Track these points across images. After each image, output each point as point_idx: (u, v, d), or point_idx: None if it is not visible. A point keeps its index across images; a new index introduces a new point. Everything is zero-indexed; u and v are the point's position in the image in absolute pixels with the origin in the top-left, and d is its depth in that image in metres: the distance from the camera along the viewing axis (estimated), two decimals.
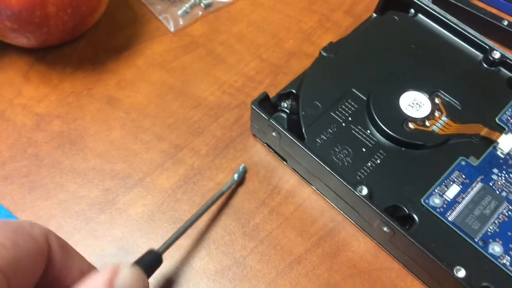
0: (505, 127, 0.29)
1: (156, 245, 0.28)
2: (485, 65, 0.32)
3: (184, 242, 0.28)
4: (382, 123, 0.29)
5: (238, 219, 0.29)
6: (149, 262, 0.24)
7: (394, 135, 0.29)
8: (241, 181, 0.30)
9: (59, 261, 0.21)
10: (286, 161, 0.31)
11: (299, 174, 0.31)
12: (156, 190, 0.30)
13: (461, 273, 0.24)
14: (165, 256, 0.25)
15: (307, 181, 0.31)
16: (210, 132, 0.32)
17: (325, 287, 0.28)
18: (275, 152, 0.31)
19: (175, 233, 0.26)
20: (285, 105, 0.32)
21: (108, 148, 0.31)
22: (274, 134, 0.29)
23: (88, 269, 0.22)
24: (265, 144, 0.32)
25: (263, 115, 0.29)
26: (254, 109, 0.29)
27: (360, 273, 0.28)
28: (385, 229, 0.27)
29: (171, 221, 0.29)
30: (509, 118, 0.30)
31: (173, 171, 0.31)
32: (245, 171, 0.31)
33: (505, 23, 0.35)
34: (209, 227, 0.29)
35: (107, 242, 0.28)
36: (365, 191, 0.27)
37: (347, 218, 0.30)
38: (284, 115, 0.31)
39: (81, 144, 0.31)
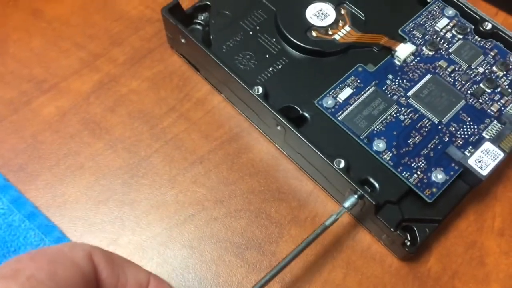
0: (406, 37, 0.30)
1: (64, 142, 0.29)
2: None
3: (92, 141, 0.30)
4: (285, 30, 0.30)
5: (146, 122, 0.31)
6: None
7: (296, 41, 0.30)
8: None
9: (110, 280, 0.18)
10: (199, 71, 0.32)
11: (211, 84, 0.32)
12: (70, 94, 0.31)
13: (341, 164, 0.26)
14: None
15: (217, 90, 0.32)
16: (129, 43, 0.33)
17: (223, 185, 0.29)
18: (189, 62, 0.32)
19: (264, 277, 0.23)
20: (202, 18, 0.32)
21: (28, 55, 0.32)
22: (183, 41, 0.30)
23: (145, 278, 0.19)
24: (180, 56, 0.33)
25: (172, 21, 0.30)
26: (164, 16, 0.30)
27: (258, 172, 0.29)
28: (278, 128, 0.28)
29: (82, 121, 0.30)
30: (412, 30, 0.30)
31: (89, 77, 0.32)
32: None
33: None
34: (118, 129, 0.30)
35: (18, 138, 0.29)
36: (260, 90, 0.28)
37: (252, 124, 0.31)
38: (200, 28, 0.32)
39: (2, 50, 0.32)
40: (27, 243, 0.26)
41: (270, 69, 0.29)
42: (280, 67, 0.30)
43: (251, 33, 0.30)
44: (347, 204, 0.25)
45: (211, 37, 0.30)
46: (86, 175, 0.29)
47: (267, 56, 0.30)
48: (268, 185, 0.29)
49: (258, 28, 0.31)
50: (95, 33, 0.34)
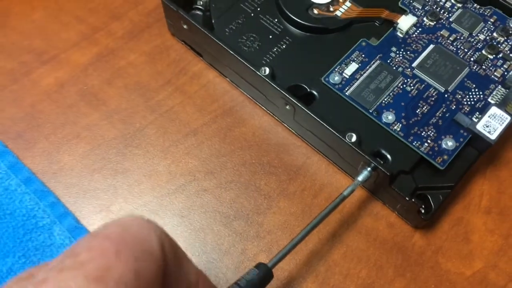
0: (406, 9, 0.30)
1: (61, 112, 0.30)
2: None
3: (89, 112, 0.30)
4: (286, 9, 0.30)
5: (142, 95, 0.31)
6: (262, 279, 0.23)
7: (298, 20, 0.30)
8: None
9: (173, 275, 0.16)
10: (201, 56, 0.32)
11: (215, 69, 0.32)
12: (69, 66, 0.32)
13: (353, 138, 0.26)
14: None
15: (223, 74, 0.32)
16: (128, 18, 0.34)
17: (215, 157, 0.29)
18: (191, 48, 0.32)
19: (286, 246, 0.24)
20: (201, 2, 0.32)
21: (29, 27, 0.33)
22: (185, 27, 0.30)
23: (196, 278, 0.17)
24: (182, 42, 0.33)
25: (173, 7, 0.30)
26: (165, 3, 0.30)
27: (250, 146, 0.30)
28: (287, 107, 0.28)
29: (79, 92, 0.31)
30: (412, 1, 0.31)
31: (88, 50, 0.32)
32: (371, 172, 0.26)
33: None
34: (115, 101, 0.31)
35: (17, 107, 0.30)
36: (267, 71, 0.28)
37: (248, 97, 0.31)
38: (200, 13, 0.32)
39: (4, 22, 0.33)
40: (23, 207, 0.27)
41: (275, 49, 0.30)
42: (284, 46, 0.30)
43: (252, 14, 0.31)
44: (361, 177, 0.26)
45: (213, 21, 0.31)
46: (82, 144, 0.29)
47: (271, 36, 0.30)
48: (259, 159, 0.29)
49: (259, 9, 0.31)
50: (95, 7, 0.34)
